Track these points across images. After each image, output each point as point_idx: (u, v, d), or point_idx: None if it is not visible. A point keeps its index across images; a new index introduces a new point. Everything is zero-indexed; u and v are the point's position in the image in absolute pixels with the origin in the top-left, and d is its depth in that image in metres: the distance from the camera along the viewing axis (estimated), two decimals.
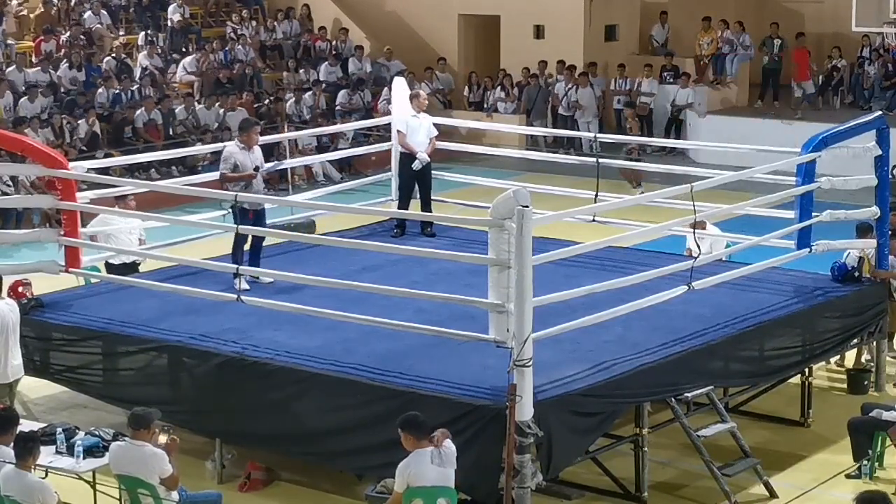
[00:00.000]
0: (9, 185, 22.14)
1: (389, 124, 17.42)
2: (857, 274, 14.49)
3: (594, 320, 11.85)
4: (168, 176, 22.89)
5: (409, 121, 16.47)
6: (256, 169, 14.37)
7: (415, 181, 16.59)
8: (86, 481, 10.83)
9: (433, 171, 16.84)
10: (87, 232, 15.08)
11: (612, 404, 11.65)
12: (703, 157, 25.72)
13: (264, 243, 14.85)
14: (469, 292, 11.94)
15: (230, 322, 12.99)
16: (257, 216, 14.32)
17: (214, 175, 15.14)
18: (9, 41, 27.86)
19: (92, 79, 26.74)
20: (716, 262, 14.09)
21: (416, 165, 16.39)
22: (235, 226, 13.64)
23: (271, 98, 28.09)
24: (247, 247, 14.42)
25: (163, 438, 10.46)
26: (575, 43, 30.14)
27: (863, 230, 14.83)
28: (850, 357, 15.28)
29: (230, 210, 14.41)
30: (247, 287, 13.58)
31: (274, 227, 15.63)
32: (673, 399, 12.06)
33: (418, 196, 16.72)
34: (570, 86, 29.29)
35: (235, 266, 13.59)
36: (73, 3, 29.81)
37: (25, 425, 10.95)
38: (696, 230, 14.16)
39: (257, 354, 12.25)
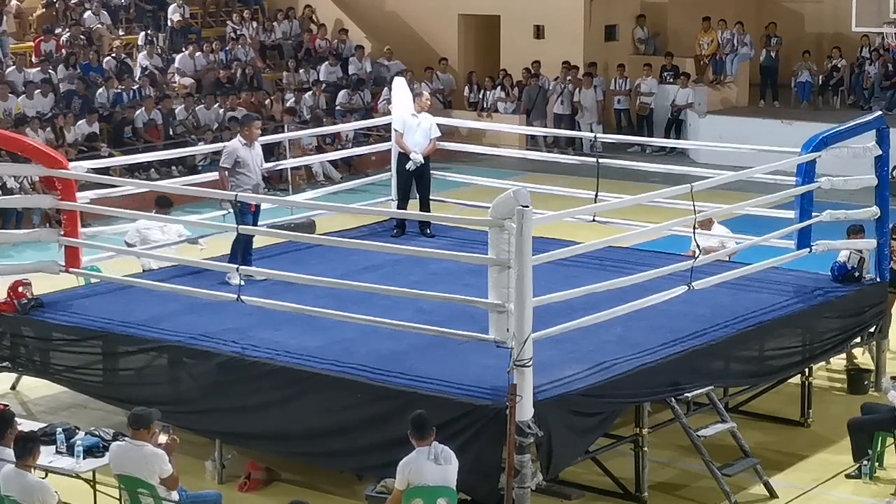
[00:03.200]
0: (10, 187, 22.14)
1: (389, 124, 17.40)
2: (857, 275, 14.48)
3: (594, 320, 11.85)
4: (168, 176, 22.88)
5: (407, 120, 16.44)
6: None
7: (412, 181, 16.57)
8: (86, 481, 10.83)
9: (433, 171, 16.83)
10: (128, 241, 15.18)
11: (612, 404, 11.65)
12: (703, 157, 25.74)
13: (258, 241, 14.86)
14: (469, 292, 11.94)
15: (230, 322, 12.99)
16: (257, 211, 14.30)
17: (214, 175, 15.15)
18: (9, 41, 27.87)
19: (91, 78, 26.74)
20: (716, 262, 14.09)
21: (409, 166, 16.35)
22: (236, 226, 13.64)
23: (255, 95, 28.00)
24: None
25: (163, 438, 10.46)
26: (575, 43, 30.15)
27: (853, 231, 14.82)
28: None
29: (230, 210, 14.44)
30: (243, 283, 13.59)
31: (274, 227, 15.65)
32: (673, 399, 12.06)
33: (418, 196, 16.72)
34: (565, 85, 29.32)
35: (236, 266, 13.60)
36: (73, 3, 29.81)
37: (25, 425, 10.96)
38: (702, 229, 14.18)
39: (257, 354, 12.25)
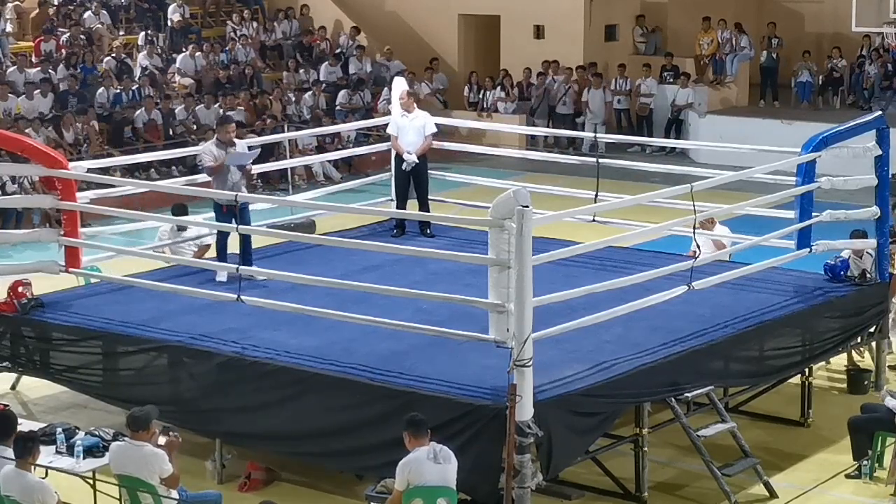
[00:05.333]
0: (12, 184, 22.14)
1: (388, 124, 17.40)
2: (855, 282, 14.46)
3: (594, 320, 11.85)
4: (168, 176, 22.87)
5: (398, 121, 16.43)
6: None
7: (409, 181, 16.52)
8: (86, 481, 10.83)
9: (431, 171, 16.78)
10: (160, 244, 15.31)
11: (612, 404, 11.65)
12: (703, 157, 25.73)
13: (257, 241, 14.86)
14: (469, 292, 11.94)
15: (230, 322, 12.99)
16: (235, 212, 13.76)
17: None
18: (9, 41, 27.86)
19: (91, 79, 26.73)
20: (716, 262, 14.09)
21: (405, 166, 16.33)
22: (235, 225, 13.65)
23: (260, 97, 27.97)
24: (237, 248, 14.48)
25: (163, 440, 10.45)
26: (575, 43, 30.14)
27: (856, 236, 14.82)
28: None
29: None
30: (223, 279, 13.67)
31: (274, 227, 15.65)
32: (673, 399, 12.06)
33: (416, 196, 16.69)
34: (570, 85, 29.35)
35: (236, 266, 13.61)
36: (72, 3, 29.81)
37: (25, 425, 10.96)
38: (703, 229, 14.16)
39: (257, 354, 12.25)
